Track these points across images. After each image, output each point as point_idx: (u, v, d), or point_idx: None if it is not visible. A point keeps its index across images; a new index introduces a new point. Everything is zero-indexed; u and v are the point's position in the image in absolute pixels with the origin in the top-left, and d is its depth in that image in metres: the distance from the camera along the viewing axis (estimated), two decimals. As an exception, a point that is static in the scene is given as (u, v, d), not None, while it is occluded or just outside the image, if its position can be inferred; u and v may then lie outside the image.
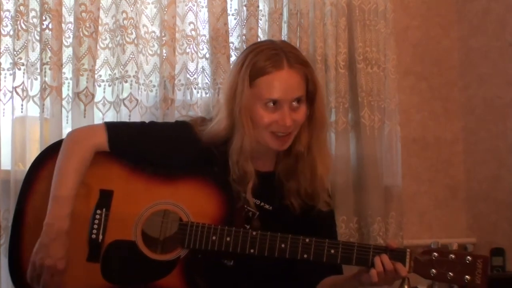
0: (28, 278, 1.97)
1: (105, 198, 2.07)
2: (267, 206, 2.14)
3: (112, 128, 2.12)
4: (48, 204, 2.00)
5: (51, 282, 1.95)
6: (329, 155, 2.20)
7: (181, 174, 2.08)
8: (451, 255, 1.90)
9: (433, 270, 1.90)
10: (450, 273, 1.89)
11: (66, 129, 2.41)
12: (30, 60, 2.37)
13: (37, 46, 2.38)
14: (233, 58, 2.72)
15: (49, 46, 2.37)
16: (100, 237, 2.04)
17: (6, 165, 2.35)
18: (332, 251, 1.95)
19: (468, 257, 1.89)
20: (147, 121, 2.28)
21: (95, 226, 2.05)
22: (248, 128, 2.05)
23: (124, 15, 2.52)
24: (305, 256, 1.96)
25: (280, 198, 2.14)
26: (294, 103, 2.05)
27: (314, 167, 2.12)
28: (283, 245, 1.96)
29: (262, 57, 2.05)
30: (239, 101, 2.04)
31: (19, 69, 2.35)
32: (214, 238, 1.98)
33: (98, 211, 2.06)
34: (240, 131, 2.06)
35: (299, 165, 2.13)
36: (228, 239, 1.98)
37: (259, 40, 2.74)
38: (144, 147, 2.11)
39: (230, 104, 2.07)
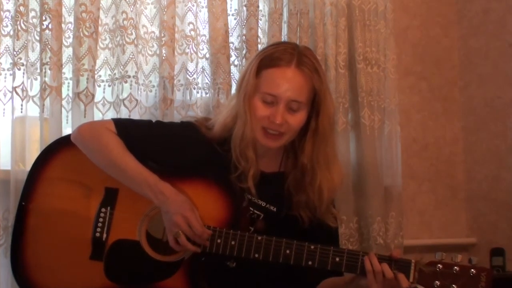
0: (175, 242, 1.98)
1: (110, 196, 2.07)
2: (272, 208, 2.13)
3: (121, 125, 2.12)
4: (142, 193, 2.00)
5: (197, 219, 1.96)
6: (337, 170, 2.14)
7: (187, 175, 2.07)
8: (455, 267, 1.88)
9: (437, 282, 1.88)
10: (454, 285, 1.87)
11: (66, 129, 2.41)
12: (30, 60, 2.37)
13: (37, 46, 2.38)
14: (233, 58, 2.72)
15: (49, 46, 2.36)
16: (104, 235, 2.03)
17: (6, 165, 2.35)
18: (337, 259, 1.94)
19: (473, 270, 1.87)
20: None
21: (99, 225, 2.04)
22: (248, 116, 2.04)
23: (124, 15, 2.51)
24: (310, 263, 1.95)
25: (287, 204, 2.13)
26: (293, 105, 2.03)
27: (320, 182, 2.09)
28: (288, 251, 1.96)
29: (276, 52, 2.06)
30: (244, 87, 2.05)
31: (19, 69, 2.34)
32: (219, 241, 1.97)
33: (103, 209, 2.06)
34: (242, 118, 2.05)
35: (306, 178, 2.10)
36: (233, 242, 1.97)
37: (259, 40, 2.75)
38: (151, 146, 2.10)
39: (238, 89, 2.09)
